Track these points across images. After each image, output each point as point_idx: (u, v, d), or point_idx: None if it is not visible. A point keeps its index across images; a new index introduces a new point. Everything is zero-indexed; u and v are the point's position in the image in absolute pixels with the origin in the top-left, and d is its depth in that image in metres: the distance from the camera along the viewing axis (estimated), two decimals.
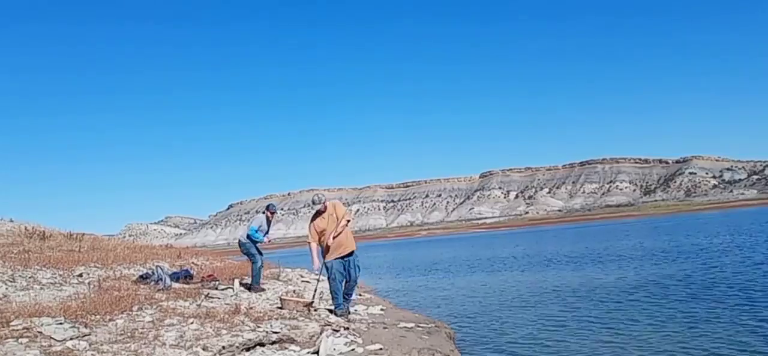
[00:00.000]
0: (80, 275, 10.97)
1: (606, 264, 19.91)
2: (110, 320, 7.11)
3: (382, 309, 10.99)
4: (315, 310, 9.38)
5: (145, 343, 6.27)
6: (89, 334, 6.36)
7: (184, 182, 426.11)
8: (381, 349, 7.39)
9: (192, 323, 7.38)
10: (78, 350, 5.76)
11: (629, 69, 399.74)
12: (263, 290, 11.72)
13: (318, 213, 9.26)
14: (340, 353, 6.95)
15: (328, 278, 9.28)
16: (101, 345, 6.03)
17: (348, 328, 8.41)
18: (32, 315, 6.69)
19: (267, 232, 11.74)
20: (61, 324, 6.42)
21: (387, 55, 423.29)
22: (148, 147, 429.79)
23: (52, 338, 6.02)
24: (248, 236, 11.57)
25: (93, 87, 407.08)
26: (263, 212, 11.84)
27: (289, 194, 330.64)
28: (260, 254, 11.79)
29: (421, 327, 9.32)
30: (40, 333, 6.11)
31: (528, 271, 20.38)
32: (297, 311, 9.07)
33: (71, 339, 6.07)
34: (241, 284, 11.81)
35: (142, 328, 6.89)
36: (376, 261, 39.28)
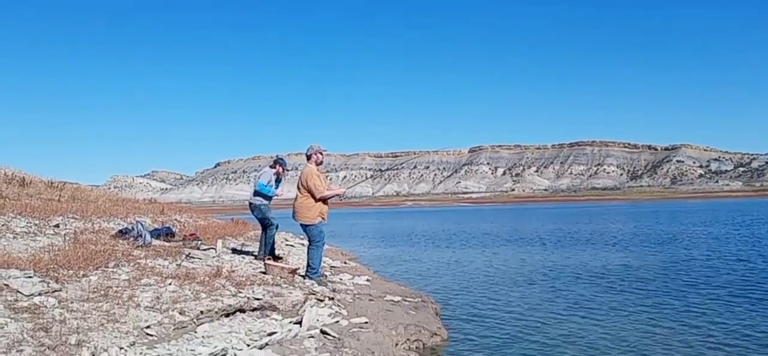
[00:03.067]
0: (57, 225, 10.57)
1: (590, 247, 19.78)
2: (83, 276, 6.74)
3: (368, 280, 10.72)
4: (301, 277, 9.07)
5: (118, 303, 5.92)
6: (60, 290, 6.00)
7: (172, 137, 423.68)
8: (366, 323, 7.10)
9: (170, 284, 7.03)
10: (46, 307, 5.41)
11: (622, 52, 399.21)
12: (281, 257, 10.50)
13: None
14: (324, 325, 6.64)
15: (319, 242, 9.02)
16: (71, 302, 5.67)
17: (333, 298, 8.12)
18: (0, 266, 6.31)
19: (277, 188, 10.56)
20: (30, 277, 6.05)
21: (382, 24, 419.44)
22: (138, 98, 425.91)
23: (20, 292, 5.65)
24: (257, 193, 10.35)
25: (84, 34, 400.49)
26: (271, 167, 10.65)
27: (277, 156, 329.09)
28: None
29: (408, 301, 9.05)
30: (7, 286, 5.74)
31: (514, 249, 20.19)
32: (281, 277, 8.75)
33: (40, 294, 5.71)
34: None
35: (117, 286, 6.53)
36: (361, 229, 39.07)
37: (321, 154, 9.09)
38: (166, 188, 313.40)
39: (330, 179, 9.51)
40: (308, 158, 9.10)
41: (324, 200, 8.95)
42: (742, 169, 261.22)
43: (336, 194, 9.18)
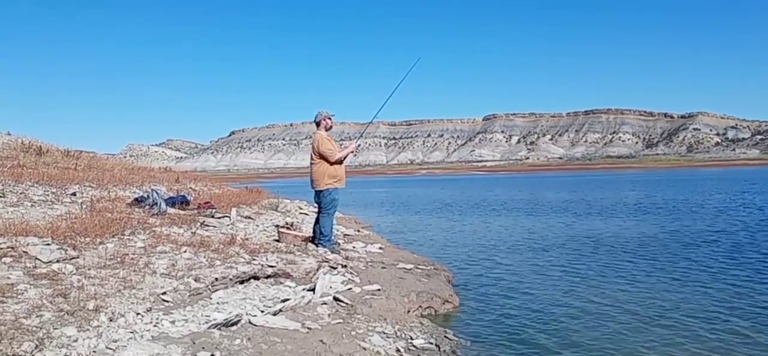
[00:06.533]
0: (74, 194, 10.71)
1: (601, 216, 19.74)
2: (100, 243, 6.85)
3: (380, 248, 10.78)
4: (315, 245, 9.15)
5: (134, 270, 6.02)
6: (77, 257, 6.11)
7: (186, 106, 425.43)
8: (379, 290, 7.18)
9: (185, 251, 7.14)
10: (64, 273, 5.52)
11: (638, 19, 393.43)
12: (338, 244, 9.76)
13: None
14: (337, 292, 6.72)
15: (331, 210, 9.08)
16: (88, 269, 5.78)
17: (346, 266, 8.19)
18: (19, 233, 6.42)
19: None
20: (48, 244, 6.17)
21: None
22: (153, 66, 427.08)
23: (38, 259, 5.77)
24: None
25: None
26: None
27: (291, 125, 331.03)
28: None
29: (420, 268, 9.11)
30: (26, 253, 5.86)
31: (526, 218, 20.19)
32: (294, 245, 8.84)
33: (58, 261, 5.82)
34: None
35: (133, 254, 6.64)
36: (375, 197, 39.16)
37: (330, 119, 9.16)
38: (181, 157, 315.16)
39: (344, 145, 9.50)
40: (317, 124, 9.18)
41: (340, 163, 9.04)
42: (759, 137, 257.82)
43: (350, 151, 9.23)
